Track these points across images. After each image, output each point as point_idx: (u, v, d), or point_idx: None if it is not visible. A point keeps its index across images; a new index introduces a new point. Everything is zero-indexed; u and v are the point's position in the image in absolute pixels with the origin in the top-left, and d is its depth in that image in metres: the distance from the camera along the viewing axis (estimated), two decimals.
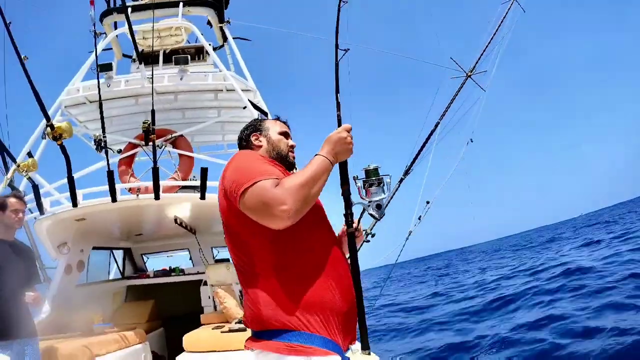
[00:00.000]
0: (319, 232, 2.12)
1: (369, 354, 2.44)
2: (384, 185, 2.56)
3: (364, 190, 2.58)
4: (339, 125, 2.42)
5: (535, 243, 51.81)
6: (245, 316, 2.08)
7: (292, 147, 2.41)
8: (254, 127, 2.42)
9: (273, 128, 2.40)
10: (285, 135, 2.40)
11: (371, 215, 2.57)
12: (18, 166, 5.92)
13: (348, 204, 2.48)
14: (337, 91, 3.20)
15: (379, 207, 2.55)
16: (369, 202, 2.55)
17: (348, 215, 2.47)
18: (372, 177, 2.55)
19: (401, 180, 7.62)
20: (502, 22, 7.97)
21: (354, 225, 2.46)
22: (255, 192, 1.83)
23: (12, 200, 4.35)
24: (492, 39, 8.28)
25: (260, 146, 2.34)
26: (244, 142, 2.41)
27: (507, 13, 7.86)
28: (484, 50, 8.59)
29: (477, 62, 8.48)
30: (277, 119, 2.51)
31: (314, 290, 1.94)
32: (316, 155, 2.06)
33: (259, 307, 1.93)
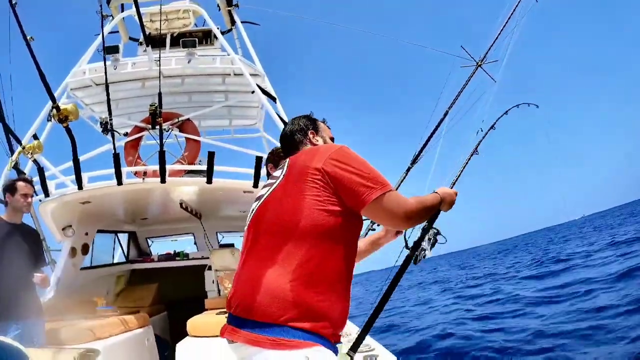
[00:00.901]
0: (355, 249, 2.16)
1: (352, 357, 2.39)
2: (433, 246, 2.72)
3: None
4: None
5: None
6: (230, 295, 2.02)
7: None
8: (312, 125, 2.50)
9: (325, 131, 2.54)
10: (332, 141, 2.52)
11: (410, 256, 2.69)
12: (23, 148, 5.87)
13: (422, 237, 2.66)
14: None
15: (424, 256, 2.70)
16: (422, 249, 2.69)
17: (420, 241, 2.67)
18: (430, 234, 2.70)
19: (408, 169, 7.56)
20: (514, 10, 7.87)
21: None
22: (393, 199, 2.05)
23: (21, 184, 4.42)
24: (503, 27, 8.17)
25: (316, 145, 2.40)
26: (299, 135, 2.46)
27: (519, 2, 7.76)
28: (496, 39, 8.48)
29: (488, 51, 8.37)
30: (324, 122, 2.61)
31: (327, 294, 1.92)
32: (436, 192, 2.41)
33: (258, 291, 1.86)
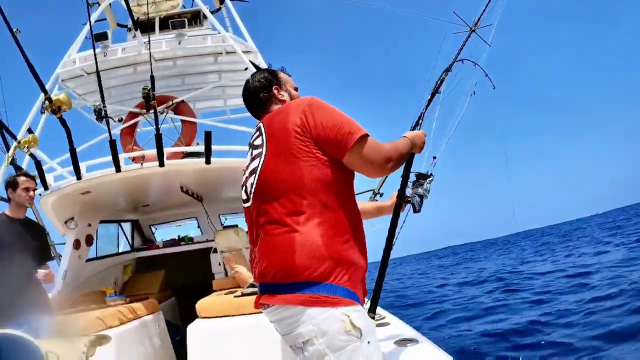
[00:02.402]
0: (354, 197, 2.19)
1: (373, 317, 2.49)
2: (429, 190, 2.75)
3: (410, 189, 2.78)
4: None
5: None
6: (263, 268, 1.99)
7: None
8: (275, 79, 2.44)
9: (288, 82, 2.48)
10: (297, 90, 2.51)
11: (412, 204, 2.73)
12: (19, 143, 5.81)
13: (405, 183, 2.73)
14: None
15: (421, 200, 2.72)
16: (416, 193, 2.73)
17: (402, 191, 2.75)
18: (422, 180, 2.75)
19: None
20: None
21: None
22: (370, 145, 2.04)
23: (22, 178, 4.44)
24: None
25: (284, 100, 2.39)
26: (264, 93, 2.40)
27: None
28: (488, 4, 8.40)
29: (480, 16, 8.30)
30: (283, 70, 2.55)
31: (351, 246, 1.98)
32: (405, 137, 2.37)
33: (293, 252, 1.86)
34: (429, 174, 2.76)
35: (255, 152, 2.20)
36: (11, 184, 4.37)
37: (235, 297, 5.00)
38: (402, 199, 2.74)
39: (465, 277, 26.41)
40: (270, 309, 1.97)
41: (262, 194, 2.06)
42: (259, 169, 2.12)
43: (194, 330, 4.65)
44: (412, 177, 2.76)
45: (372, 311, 2.56)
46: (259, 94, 2.40)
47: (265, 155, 2.11)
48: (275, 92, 2.39)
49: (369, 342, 1.83)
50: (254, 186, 2.12)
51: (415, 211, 2.75)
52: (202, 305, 5.01)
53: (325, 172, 1.99)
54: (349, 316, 1.80)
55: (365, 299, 2.18)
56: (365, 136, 2.02)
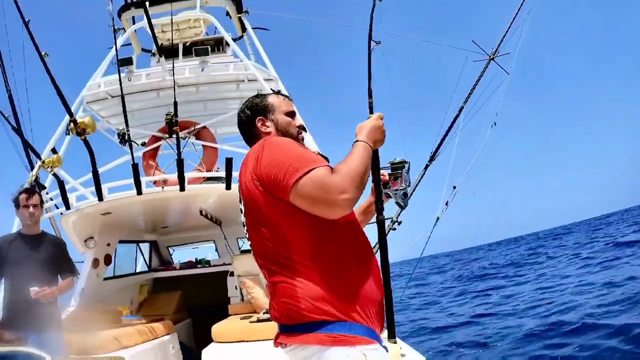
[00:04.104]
0: (353, 222, 2.04)
1: (395, 342, 2.45)
2: (409, 179, 2.51)
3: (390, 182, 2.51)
4: (371, 112, 2.35)
5: None
6: (275, 311, 1.95)
7: (300, 127, 2.26)
8: (258, 110, 2.22)
9: (279, 109, 2.22)
10: (292, 115, 2.26)
11: (397, 203, 2.55)
12: (43, 162, 5.97)
13: (379, 191, 2.43)
14: (370, 79, 3.28)
15: (405, 195, 2.51)
16: (396, 190, 2.48)
17: (379, 202, 2.43)
18: (399, 171, 2.48)
19: (427, 167, 7.55)
20: (522, 3, 7.85)
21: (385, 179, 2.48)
22: (313, 180, 1.73)
23: (22, 196, 4.38)
24: (513, 20, 8.16)
25: (269, 133, 2.17)
26: (248, 126, 2.23)
27: None
28: (506, 32, 8.45)
29: (499, 44, 8.36)
30: (279, 92, 2.36)
31: (354, 280, 1.88)
32: (357, 141, 1.97)
33: (297, 299, 1.81)
34: (403, 160, 2.49)
35: (240, 205, 2.10)
36: (15, 203, 4.39)
37: (250, 322, 5.04)
38: (380, 210, 2.44)
39: None
40: (289, 348, 1.91)
41: (257, 258, 2.03)
42: (246, 236, 2.08)
43: (208, 354, 4.68)
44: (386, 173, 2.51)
45: (391, 337, 2.55)
46: (244, 129, 2.26)
47: (245, 223, 2.05)
48: (259, 125, 2.19)
49: None
50: (250, 246, 2.08)
51: (401, 207, 2.60)
52: (217, 329, 5.05)
53: (308, 220, 1.83)
54: (366, 355, 1.75)
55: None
56: (306, 172, 1.74)
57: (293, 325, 1.84)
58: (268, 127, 2.17)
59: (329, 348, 1.76)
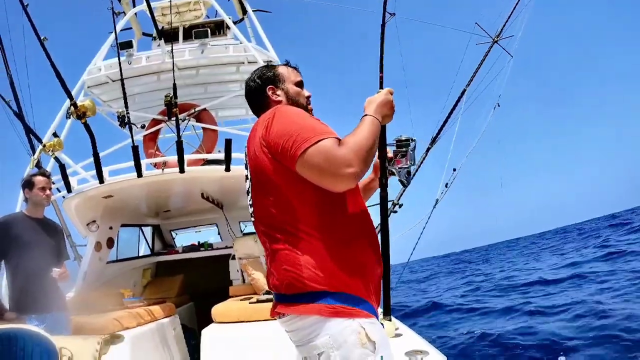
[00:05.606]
0: (357, 195, 2.05)
1: (390, 320, 2.44)
2: (414, 157, 2.50)
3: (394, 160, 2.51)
4: (381, 87, 2.34)
5: None
6: (275, 279, 1.95)
7: (309, 97, 2.28)
8: (268, 79, 2.23)
9: (288, 78, 2.24)
10: (301, 85, 2.28)
11: (400, 181, 2.52)
12: (44, 146, 5.97)
13: (384, 167, 2.44)
14: (382, 52, 3.26)
15: (408, 174, 2.51)
16: (399, 168, 2.47)
17: (384, 178, 2.45)
18: (404, 148, 2.47)
19: (428, 149, 7.54)
20: None
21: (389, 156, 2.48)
22: (320, 151, 1.73)
23: (39, 178, 4.46)
24: (517, 2, 8.10)
25: (280, 102, 2.19)
26: (258, 95, 2.24)
27: None
28: (510, 14, 8.40)
29: (503, 27, 8.31)
30: (287, 64, 2.35)
31: (357, 253, 1.90)
32: (365, 115, 1.97)
33: (300, 267, 1.82)
34: (409, 138, 2.47)
35: (245, 172, 2.14)
36: (28, 184, 4.42)
37: (250, 303, 5.06)
38: (384, 185, 2.47)
39: None
40: (285, 318, 1.92)
41: (259, 225, 2.04)
42: (250, 203, 2.09)
43: (208, 334, 4.71)
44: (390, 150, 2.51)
45: (387, 314, 2.57)
46: (254, 98, 2.27)
47: (250, 188, 2.06)
48: (270, 93, 2.21)
49: (382, 357, 1.80)
50: (252, 214, 2.10)
51: (404, 186, 2.59)
52: (217, 310, 5.07)
53: (315, 190, 1.83)
54: (364, 328, 1.77)
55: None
56: (315, 142, 1.75)
57: (292, 295, 1.85)
58: (279, 95, 2.20)
59: (328, 319, 1.77)
